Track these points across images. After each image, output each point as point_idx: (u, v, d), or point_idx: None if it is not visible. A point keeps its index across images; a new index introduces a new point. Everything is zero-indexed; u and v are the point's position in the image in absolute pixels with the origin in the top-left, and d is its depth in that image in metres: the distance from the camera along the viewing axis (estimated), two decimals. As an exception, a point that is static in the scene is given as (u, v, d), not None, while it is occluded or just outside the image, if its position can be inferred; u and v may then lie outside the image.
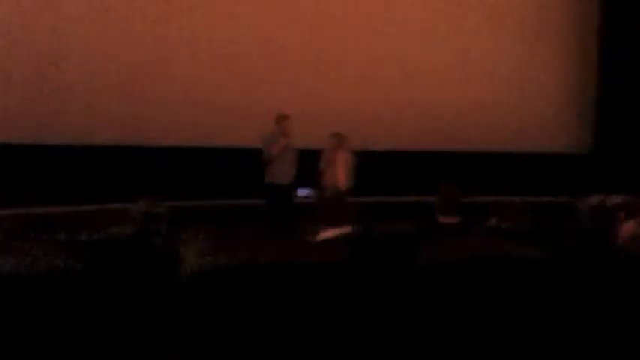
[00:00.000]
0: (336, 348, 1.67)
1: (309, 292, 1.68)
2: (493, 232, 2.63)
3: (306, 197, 6.53)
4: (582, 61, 8.87)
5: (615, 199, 3.02)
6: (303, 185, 6.46)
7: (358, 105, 7.52)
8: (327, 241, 2.30)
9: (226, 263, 1.69)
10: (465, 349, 1.80)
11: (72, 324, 1.44)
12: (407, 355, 1.76)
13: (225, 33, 7.16)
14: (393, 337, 1.76)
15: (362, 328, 1.73)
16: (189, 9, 7.09)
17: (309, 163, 6.04)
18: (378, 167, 7.09)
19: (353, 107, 7.42)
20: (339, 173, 6.08)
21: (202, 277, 1.66)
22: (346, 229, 2.67)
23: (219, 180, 6.65)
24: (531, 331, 1.85)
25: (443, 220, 3.03)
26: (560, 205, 5.48)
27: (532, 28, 8.59)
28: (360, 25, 7.77)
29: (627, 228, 2.65)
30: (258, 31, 7.28)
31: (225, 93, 7.05)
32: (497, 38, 8.41)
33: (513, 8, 8.50)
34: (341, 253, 1.83)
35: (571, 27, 8.81)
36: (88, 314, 1.47)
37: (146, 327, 1.67)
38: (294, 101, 6.77)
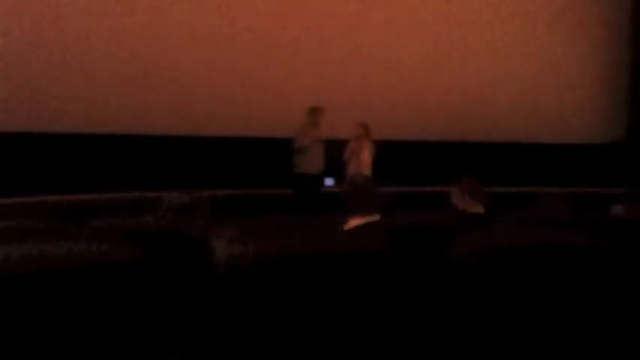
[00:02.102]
0: (370, 340, 1.63)
1: (342, 282, 1.66)
2: (528, 221, 2.57)
3: (332, 187, 6.56)
4: (616, 50, 8.75)
5: None
6: (328, 175, 6.48)
7: (382, 95, 7.47)
8: (359, 230, 2.30)
9: (258, 252, 1.70)
10: (507, 344, 1.72)
11: (108, 310, 1.47)
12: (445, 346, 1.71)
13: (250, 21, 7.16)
14: (433, 327, 1.71)
15: (401, 319, 1.69)
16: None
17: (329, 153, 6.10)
18: (408, 157, 7.08)
19: (375, 97, 7.37)
20: (366, 162, 6.09)
21: (234, 266, 1.66)
22: (374, 218, 2.68)
23: (246, 169, 6.70)
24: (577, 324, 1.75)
25: (470, 209, 3.04)
26: (594, 194, 5.39)
27: (566, 18, 8.50)
28: (384, 12, 7.71)
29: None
30: (281, 19, 7.28)
31: (255, 84, 7.06)
32: (531, 29, 8.33)
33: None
34: (376, 242, 1.80)
35: (605, 17, 8.69)
36: (122, 302, 1.50)
37: (178, 315, 1.70)
38: (316, 91, 6.74)
